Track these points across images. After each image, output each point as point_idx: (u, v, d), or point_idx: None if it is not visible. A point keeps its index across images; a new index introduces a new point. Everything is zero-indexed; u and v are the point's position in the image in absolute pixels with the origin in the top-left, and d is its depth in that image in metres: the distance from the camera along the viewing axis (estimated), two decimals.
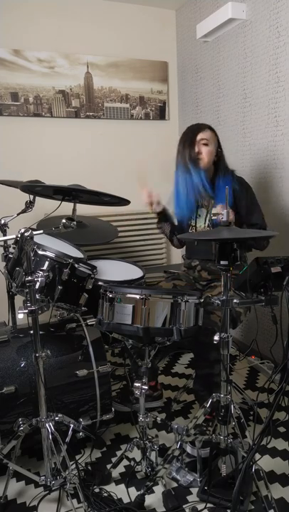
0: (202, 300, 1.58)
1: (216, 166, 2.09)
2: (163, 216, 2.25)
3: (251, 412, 2.05)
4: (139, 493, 1.58)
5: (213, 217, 1.49)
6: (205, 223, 2.13)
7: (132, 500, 1.57)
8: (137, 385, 1.63)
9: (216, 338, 1.49)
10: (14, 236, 1.55)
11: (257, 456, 1.70)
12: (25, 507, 1.58)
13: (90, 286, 1.75)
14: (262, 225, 2.06)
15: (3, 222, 2.12)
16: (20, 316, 1.46)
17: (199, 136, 2.02)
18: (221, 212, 1.49)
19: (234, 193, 2.00)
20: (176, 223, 2.29)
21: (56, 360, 1.77)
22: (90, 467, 1.74)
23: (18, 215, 2.09)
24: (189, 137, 2.04)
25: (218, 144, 2.09)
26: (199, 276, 2.17)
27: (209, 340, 1.53)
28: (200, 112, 3.13)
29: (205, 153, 2.03)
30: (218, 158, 2.09)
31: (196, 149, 2.01)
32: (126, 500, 1.59)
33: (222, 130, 2.88)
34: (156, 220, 2.30)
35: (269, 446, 1.83)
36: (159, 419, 1.79)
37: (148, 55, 3.22)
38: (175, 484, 1.67)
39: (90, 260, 2.03)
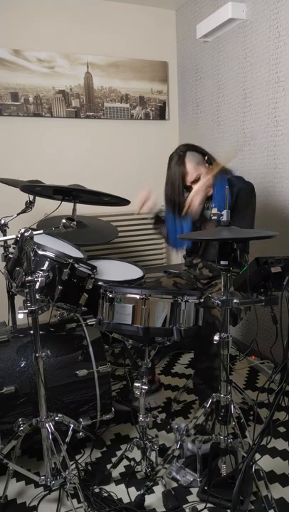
0: (202, 300, 1.58)
1: None
2: (158, 219, 2.25)
3: (251, 412, 2.05)
4: (139, 493, 1.58)
5: (213, 217, 1.48)
6: None
7: (132, 500, 1.58)
8: (137, 385, 1.63)
9: (216, 338, 1.49)
10: (14, 236, 1.55)
11: (257, 456, 1.70)
12: (25, 507, 1.58)
13: (90, 286, 1.75)
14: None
15: (3, 222, 2.12)
16: (20, 316, 1.46)
17: (188, 180, 1.97)
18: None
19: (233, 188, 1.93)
20: None
21: (56, 360, 1.77)
22: (90, 467, 1.74)
23: (18, 215, 2.09)
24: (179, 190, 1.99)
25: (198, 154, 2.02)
26: (200, 274, 2.17)
27: (210, 334, 1.53)
28: (200, 112, 3.12)
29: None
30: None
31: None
32: (126, 500, 1.59)
33: (222, 130, 2.88)
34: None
35: (269, 446, 1.83)
36: (159, 419, 1.79)
37: (148, 55, 3.22)
38: (175, 484, 1.67)
39: (90, 260, 2.03)
